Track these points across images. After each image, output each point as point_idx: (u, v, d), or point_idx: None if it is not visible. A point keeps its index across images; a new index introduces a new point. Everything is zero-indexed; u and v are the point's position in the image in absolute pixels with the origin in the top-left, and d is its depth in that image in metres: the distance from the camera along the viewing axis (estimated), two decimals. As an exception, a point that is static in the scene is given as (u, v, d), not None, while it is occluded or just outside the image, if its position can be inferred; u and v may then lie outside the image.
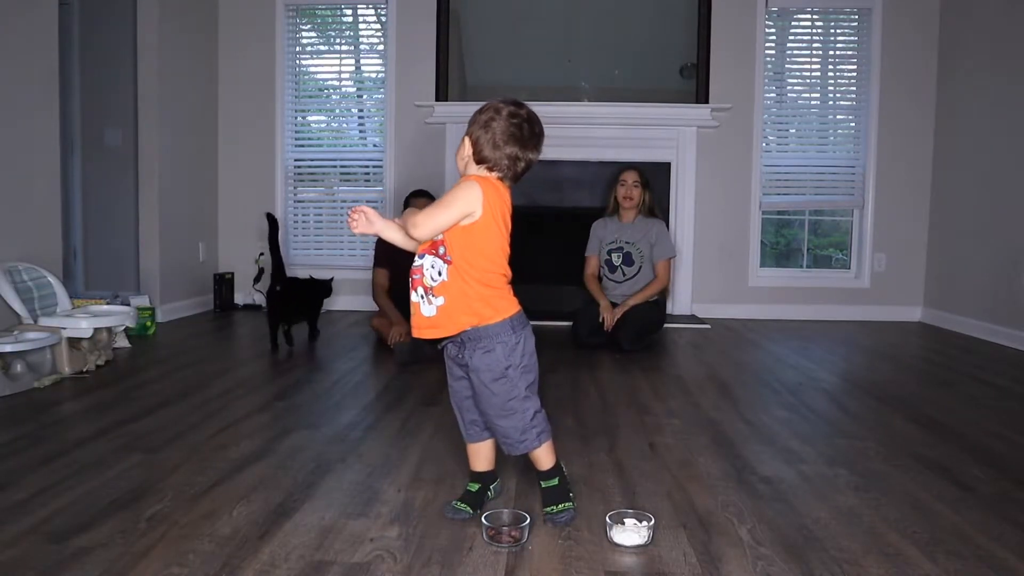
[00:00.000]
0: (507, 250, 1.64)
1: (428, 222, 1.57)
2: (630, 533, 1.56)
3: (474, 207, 1.56)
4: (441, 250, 1.60)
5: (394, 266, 4.05)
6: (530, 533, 1.57)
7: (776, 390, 3.08)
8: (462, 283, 1.59)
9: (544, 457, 1.68)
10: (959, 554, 1.55)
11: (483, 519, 1.58)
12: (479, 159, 1.62)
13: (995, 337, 4.32)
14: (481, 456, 1.77)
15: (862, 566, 1.49)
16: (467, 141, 1.63)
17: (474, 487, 1.76)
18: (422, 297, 1.64)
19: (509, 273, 1.65)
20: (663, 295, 4.23)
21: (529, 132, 1.61)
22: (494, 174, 1.63)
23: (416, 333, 1.67)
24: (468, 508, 1.70)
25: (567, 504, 1.66)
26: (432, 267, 1.61)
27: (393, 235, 1.67)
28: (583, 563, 1.49)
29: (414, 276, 1.65)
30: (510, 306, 1.64)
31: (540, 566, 1.48)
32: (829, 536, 1.63)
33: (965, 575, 1.47)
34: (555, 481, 1.67)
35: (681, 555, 1.53)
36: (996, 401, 2.98)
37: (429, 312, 1.63)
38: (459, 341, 1.64)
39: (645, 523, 1.58)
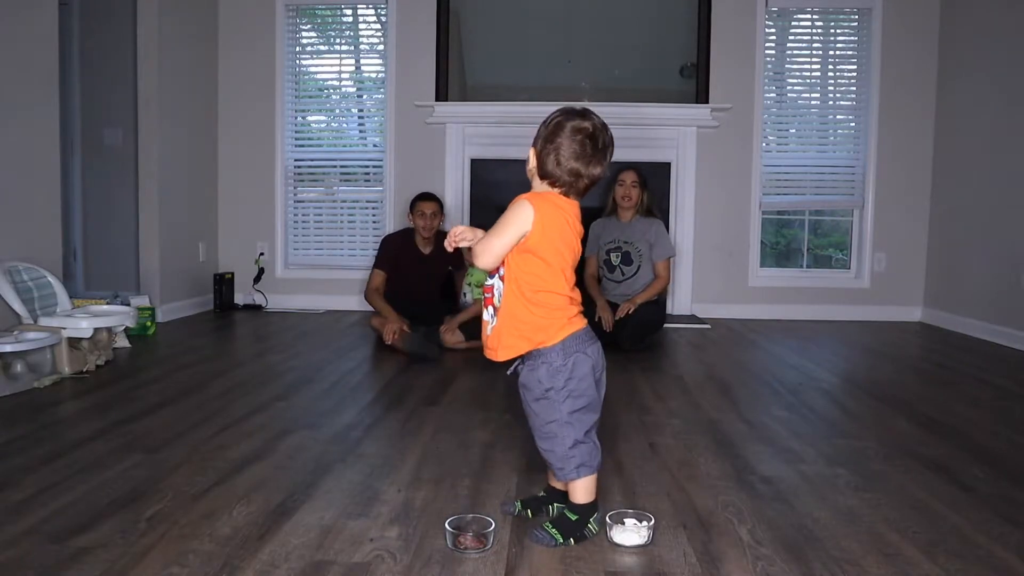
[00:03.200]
0: (568, 269, 1.58)
1: (487, 251, 1.56)
2: (630, 533, 1.56)
3: (526, 227, 1.53)
4: (501, 271, 1.59)
5: (396, 271, 4.07)
6: (495, 539, 1.55)
7: (776, 390, 3.08)
8: (514, 304, 1.57)
9: (577, 492, 1.58)
10: (959, 554, 1.55)
11: (447, 525, 1.55)
12: (541, 174, 1.59)
13: (995, 337, 4.32)
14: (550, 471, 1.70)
15: (862, 566, 1.49)
16: (532, 153, 1.60)
17: (540, 492, 1.74)
18: (491, 317, 1.62)
19: (572, 294, 1.59)
20: (662, 294, 4.23)
21: (592, 148, 1.56)
22: (556, 189, 1.59)
23: (485, 353, 1.66)
24: (519, 504, 1.70)
25: (558, 536, 1.55)
26: (498, 288, 1.61)
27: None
28: (583, 563, 1.49)
29: (485, 295, 1.64)
30: (564, 329, 1.57)
31: (540, 566, 1.48)
32: (829, 536, 1.63)
33: (965, 575, 1.47)
34: (574, 517, 1.57)
35: (681, 555, 1.53)
36: (996, 401, 2.98)
37: (489, 333, 1.63)
38: (521, 359, 1.62)
39: (645, 523, 1.58)
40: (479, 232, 1.62)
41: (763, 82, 5.16)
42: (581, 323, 1.61)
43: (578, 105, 1.64)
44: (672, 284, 5.08)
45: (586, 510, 1.59)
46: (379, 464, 2.06)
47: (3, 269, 3.22)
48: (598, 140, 1.57)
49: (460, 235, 1.63)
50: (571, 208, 1.60)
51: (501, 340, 1.60)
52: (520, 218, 1.53)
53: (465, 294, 4.18)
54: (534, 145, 1.61)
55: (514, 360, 1.63)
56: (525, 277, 1.56)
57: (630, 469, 2.05)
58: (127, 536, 1.57)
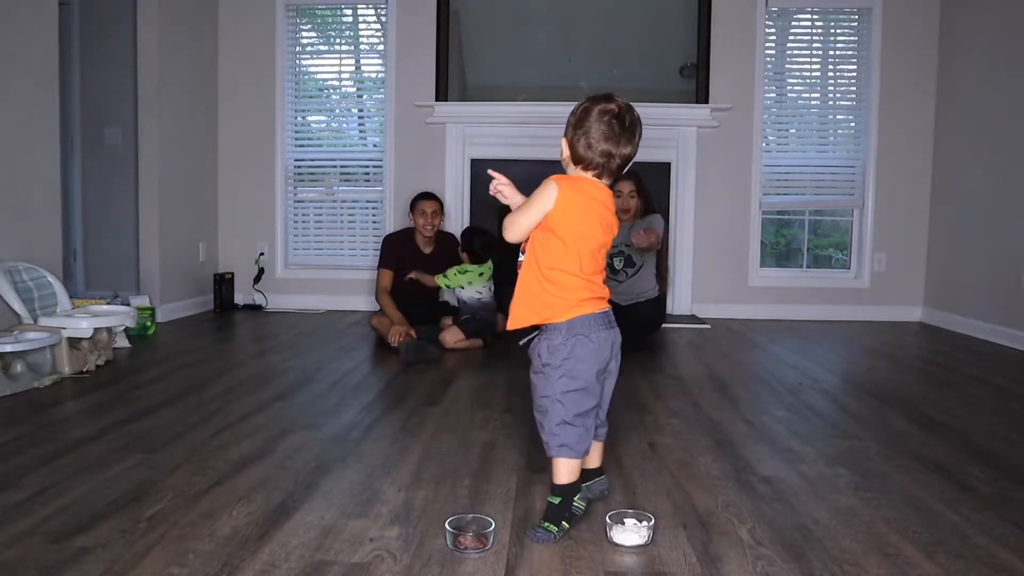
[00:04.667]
0: (586, 253, 1.61)
1: (513, 225, 1.64)
2: (630, 533, 1.56)
3: (548, 206, 1.59)
4: (524, 245, 1.67)
5: (399, 268, 4.08)
6: (495, 539, 1.56)
7: (776, 390, 3.08)
8: (529, 277, 1.65)
9: (557, 471, 1.62)
10: (959, 554, 1.55)
11: (447, 525, 1.55)
12: (575, 160, 1.65)
13: (995, 337, 4.32)
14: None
15: (862, 566, 1.49)
16: (564, 143, 1.66)
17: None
18: None
19: (589, 277, 1.62)
20: (662, 273, 4.21)
21: (620, 128, 1.61)
22: (589, 173, 1.64)
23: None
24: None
25: (552, 528, 1.57)
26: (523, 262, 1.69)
27: None
28: (583, 563, 1.49)
29: (518, 270, 1.71)
30: (570, 309, 1.61)
31: (540, 566, 1.47)
32: (829, 536, 1.63)
33: (965, 575, 1.47)
34: (556, 500, 1.60)
35: (681, 555, 1.53)
36: (996, 401, 2.98)
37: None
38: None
39: (645, 523, 1.58)
40: (517, 195, 1.71)
41: (763, 82, 5.16)
42: (595, 307, 1.64)
43: (602, 92, 1.67)
44: (672, 284, 5.08)
45: (567, 490, 1.61)
46: (379, 464, 2.06)
47: (3, 269, 3.22)
48: (624, 119, 1.62)
49: (502, 185, 1.70)
50: (601, 195, 1.65)
51: (514, 312, 1.67)
52: (544, 197, 1.60)
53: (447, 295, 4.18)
54: (565, 135, 1.66)
55: (527, 332, 1.68)
56: (543, 254, 1.63)
57: (630, 469, 2.05)
58: (127, 536, 1.57)
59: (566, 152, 1.66)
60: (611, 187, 1.70)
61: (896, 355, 4.01)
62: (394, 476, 1.97)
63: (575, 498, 1.62)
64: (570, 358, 1.60)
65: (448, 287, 3.98)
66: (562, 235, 1.60)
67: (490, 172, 1.75)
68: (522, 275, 1.66)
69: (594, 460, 1.77)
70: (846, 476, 2.02)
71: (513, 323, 1.68)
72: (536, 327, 1.67)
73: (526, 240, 1.68)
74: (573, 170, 1.66)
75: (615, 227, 1.68)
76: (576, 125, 1.63)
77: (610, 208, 1.66)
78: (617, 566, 1.48)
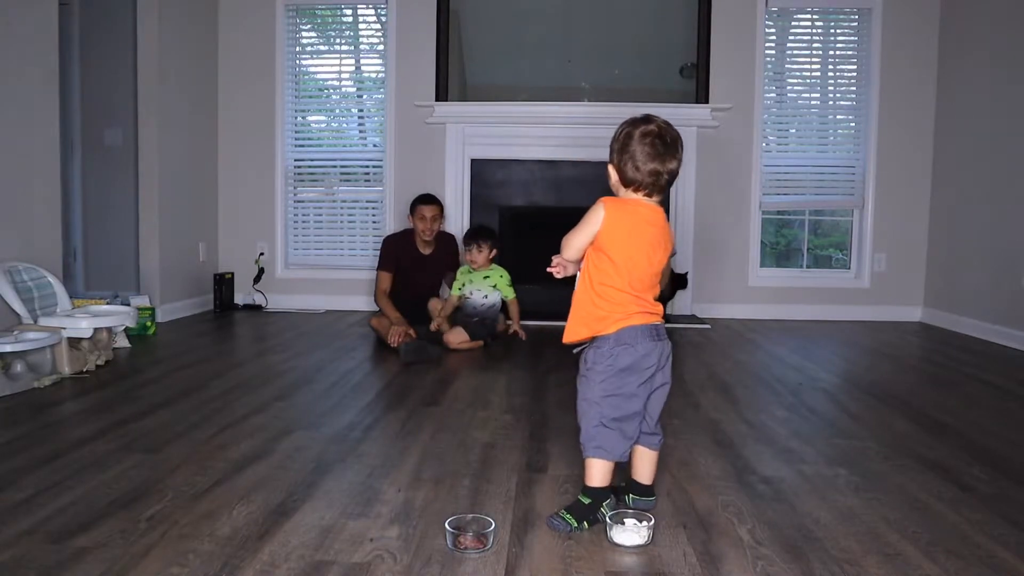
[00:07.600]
0: (634, 267, 1.66)
1: (568, 245, 1.73)
2: (630, 533, 1.56)
3: (596, 227, 1.66)
4: (581, 263, 1.74)
5: (399, 269, 4.09)
6: (495, 539, 1.56)
7: (776, 390, 3.08)
8: (582, 293, 1.71)
9: (590, 472, 1.67)
10: (959, 554, 1.55)
11: (447, 525, 1.56)
12: (625, 183, 1.70)
13: (995, 337, 4.32)
14: (635, 463, 1.76)
15: (862, 566, 1.49)
16: (611, 169, 1.72)
17: (620, 482, 1.79)
18: None
19: (638, 293, 1.67)
20: (664, 289, 4.23)
21: (663, 146, 1.66)
22: (640, 193, 1.69)
23: None
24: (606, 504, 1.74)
25: (572, 521, 1.63)
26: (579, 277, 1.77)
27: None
28: (583, 563, 1.49)
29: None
30: (618, 322, 1.66)
31: (540, 566, 1.48)
32: (829, 536, 1.63)
33: (965, 575, 1.47)
34: (585, 500, 1.66)
35: (681, 555, 1.53)
36: (996, 401, 2.98)
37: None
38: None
39: (645, 523, 1.58)
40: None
41: (763, 82, 5.16)
42: (643, 320, 1.68)
43: (639, 113, 1.72)
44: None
45: (598, 494, 1.66)
46: (379, 464, 2.06)
47: (3, 269, 3.22)
48: (666, 137, 1.67)
49: (558, 260, 1.78)
50: (651, 215, 1.69)
51: (571, 326, 1.73)
52: (592, 218, 1.67)
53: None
54: (611, 161, 1.72)
55: (580, 344, 1.74)
56: (595, 271, 1.69)
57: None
58: (127, 536, 1.57)
59: (615, 177, 1.71)
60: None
61: (896, 355, 4.01)
62: (394, 476, 1.97)
63: (604, 504, 1.66)
64: (613, 365, 1.65)
65: (463, 288, 3.94)
66: (611, 255, 1.66)
67: (554, 258, 1.79)
68: (577, 291, 1.73)
69: (644, 474, 1.76)
70: (846, 476, 2.02)
71: (568, 336, 1.74)
72: (591, 338, 1.72)
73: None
74: (624, 192, 1.71)
75: (669, 245, 1.73)
76: (620, 150, 1.68)
77: (661, 226, 1.70)
78: (617, 566, 1.48)
